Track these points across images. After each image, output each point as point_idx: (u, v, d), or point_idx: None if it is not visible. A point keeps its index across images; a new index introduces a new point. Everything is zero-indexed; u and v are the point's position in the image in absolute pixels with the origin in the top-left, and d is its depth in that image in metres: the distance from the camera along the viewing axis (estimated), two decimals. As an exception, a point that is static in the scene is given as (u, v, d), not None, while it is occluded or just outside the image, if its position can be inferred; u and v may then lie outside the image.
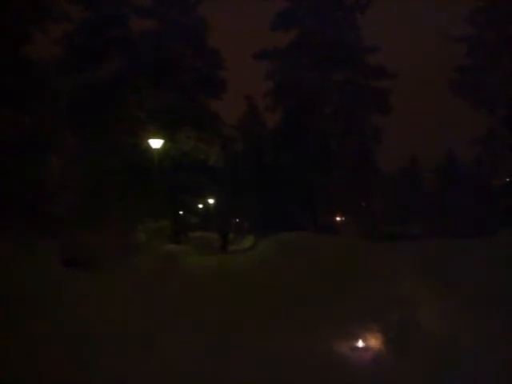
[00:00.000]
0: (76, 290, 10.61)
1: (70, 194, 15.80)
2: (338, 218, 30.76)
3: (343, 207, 29.63)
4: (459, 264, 10.77)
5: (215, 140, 27.18)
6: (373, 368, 7.07)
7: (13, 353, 7.17)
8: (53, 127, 16.76)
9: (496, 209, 25.39)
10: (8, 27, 16.43)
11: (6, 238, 11.94)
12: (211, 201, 33.95)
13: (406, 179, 43.70)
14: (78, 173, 16.98)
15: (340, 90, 29.13)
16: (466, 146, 29.87)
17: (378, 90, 29.45)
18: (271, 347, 7.61)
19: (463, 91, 27.49)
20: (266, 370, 6.84)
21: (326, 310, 9.34)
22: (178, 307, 10.16)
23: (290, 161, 28.21)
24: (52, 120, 17.14)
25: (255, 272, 13.06)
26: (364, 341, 7.78)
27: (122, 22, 26.27)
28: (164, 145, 21.44)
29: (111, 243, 15.05)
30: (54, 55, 23.66)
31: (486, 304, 8.56)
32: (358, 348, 7.66)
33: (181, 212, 27.27)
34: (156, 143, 20.86)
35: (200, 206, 31.89)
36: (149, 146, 21.18)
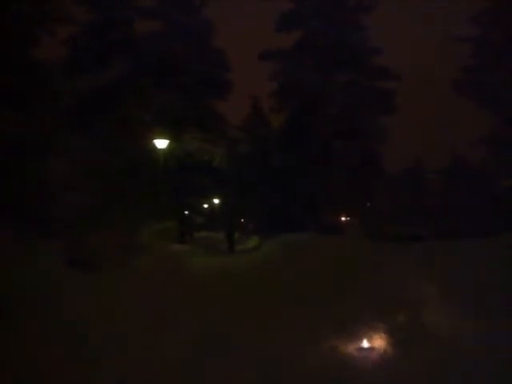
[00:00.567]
0: (78, 291, 10.65)
1: (74, 194, 15.84)
2: (342, 219, 30.74)
3: (348, 208, 29.62)
4: (462, 265, 10.78)
5: (220, 141, 27.28)
6: (377, 368, 7.08)
7: (13, 353, 7.21)
8: (57, 128, 16.84)
9: (501, 209, 25.32)
10: (14, 29, 16.55)
11: (9, 238, 11.99)
12: (216, 201, 34.02)
13: (410, 180, 43.57)
14: (82, 174, 17.01)
15: (344, 91, 29.14)
16: (470, 147, 29.65)
17: (382, 91, 29.43)
18: (273, 347, 7.63)
19: (467, 91, 27.45)
20: (266, 370, 6.86)
21: (330, 310, 9.36)
22: (182, 307, 10.19)
23: (295, 162, 28.23)
24: (56, 121, 17.23)
25: (261, 272, 13.09)
26: (368, 341, 7.79)
27: (127, 24, 26.38)
28: (169, 145, 21.50)
29: (115, 244, 15.08)
30: (59, 57, 23.82)
31: (491, 305, 8.56)
32: (362, 348, 7.67)
33: (186, 212, 27.35)
34: (161, 144, 20.92)
35: (205, 206, 31.97)
36: (154, 147, 21.25)
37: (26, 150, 15.29)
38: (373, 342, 7.79)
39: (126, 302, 10.31)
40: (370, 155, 29.17)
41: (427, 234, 29.80)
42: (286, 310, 9.68)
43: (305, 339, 7.99)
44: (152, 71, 25.50)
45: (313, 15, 29.59)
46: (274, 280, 11.99)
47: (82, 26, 25.09)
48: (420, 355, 7.21)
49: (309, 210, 27.24)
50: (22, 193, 14.59)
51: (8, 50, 16.12)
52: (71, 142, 17.02)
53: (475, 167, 35.84)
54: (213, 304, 10.29)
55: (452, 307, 8.79)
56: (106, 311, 9.55)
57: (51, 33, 18.71)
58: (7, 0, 16.43)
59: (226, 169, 28.14)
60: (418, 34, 72.64)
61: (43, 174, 15.73)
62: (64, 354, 7.33)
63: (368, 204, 31.24)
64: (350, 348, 7.66)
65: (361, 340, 7.78)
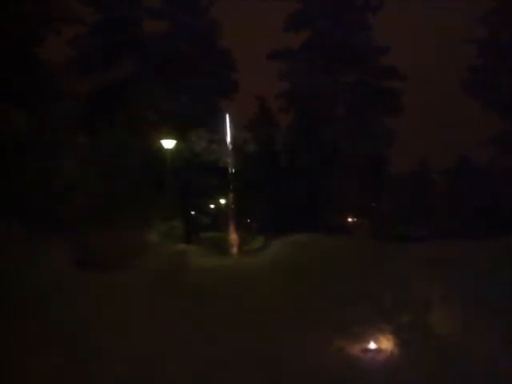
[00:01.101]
0: (86, 291, 10.71)
1: (80, 194, 15.91)
2: (349, 220, 30.71)
3: (354, 209, 29.59)
4: (465, 265, 10.76)
5: (227, 141, 27.35)
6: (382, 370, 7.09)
7: (14, 353, 7.26)
8: (65, 128, 16.92)
9: (506, 210, 25.24)
10: (19, 29, 16.65)
11: (18, 238, 12.07)
12: (222, 201, 34.05)
13: (417, 181, 43.44)
14: (89, 173, 17.09)
15: (351, 91, 29.10)
16: (478, 148, 29.54)
17: (389, 91, 29.40)
18: (276, 347, 7.65)
19: (475, 92, 27.33)
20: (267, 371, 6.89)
21: (336, 311, 9.37)
22: (188, 307, 10.23)
23: (301, 162, 28.24)
24: (64, 121, 17.32)
25: (267, 273, 13.10)
26: (375, 342, 7.80)
27: (134, 24, 26.52)
28: (176, 145, 21.57)
29: (123, 244, 15.15)
30: (66, 57, 23.98)
31: (495, 306, 8.55)
32: (368, 349, 7.68)
33: (192, 212, 27.42)
34: (168, 144, 21.00)
35: (211, 206, 32.01)
36: (161, 147, 21.33)
37: (32, 150, 15.38)
38: (379, 343, 7.80)
39: (136, 302, 10.37)
40: (376, 156, 29.14)
41: (433, 234, 29.73)
42: (291, 310, 9.70)
43: (310, 340, 8.00)
44: (159, 71, 25.59)
45: (320, 15, 29.58)
46: (281, 281, 12.01)
47: (90, 27, 25.22)
48: (423, 355, 7.22)
49: (315, 210, 27.23)
50: (29, 192, 14.66)
51: (14, 50, 16.22)
52: (78, 141, 17.10)
53: (481, 168, 35.71)
54: (218, 305, 10.32)
55: (454, 308, 8.79)
56: (110, 311, 9.61)
57: (57, 32, 18.82)
58: (12, 0, 16.52)
59: (233, 169, 28.18)
60: (425, 34, 72.46)
61: (50, 173, 15.80)
62: (70, 354, 7.37)
63: (374, 205, 31.19)
64: (356, 349, 7.67)
65: (367, 341, 7.79)
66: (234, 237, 26.61)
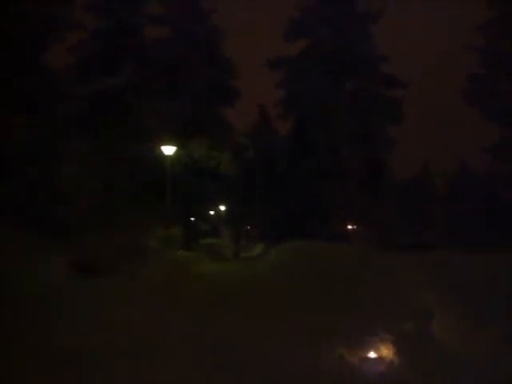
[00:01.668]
0: (84, 295, 10.69)
1: (82, 199, 15.93)
2: (349, 227, 30.67)
3: (354, 216, 29.55)
4: (466, 274, 10.76)
5: (227, 147, 27.36)
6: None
7: (18, 355, 7.23)
8: (66, 133, 16.97)
9: (507, 219, 25.26)
10: (23, 35, 16.72)
11: (18, 241, 12.06)
12: (222, 208, 34.04)
13: (417, 188, 43.49)
14: (89, 178, 17.12)
15: (352, 99, 29.13)
16: (478, 155, 29.60)
17: (390, 99, 29.45)
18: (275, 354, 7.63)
19: (475, 100, 27.40)
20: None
21: (336, 319, 9.34)
22: (187, 312, 10.20)
23: (302, 169, 28.24)
24: (65, 125, 17.37)
25: (266, 281, 13.04)
26: (375, 351, 7.77)
27: (136, 30, 26.59)
28: (176, 152, 21.57)
29: (122, 249, 15.12)
30: (68, 62, 24.07)
31: (493, 315, 8.55)
32: (368, 359, 7.65)
33: (192, 219, 27.39)
34: (168, 150, 20.97)
35: (211, 213, 31.98)
36: (161, 153, 21.32)
37: (33, 154, 15.41)
38: (379, 352, 7.76)
39: (128, 308, 10.33)
40: (377, 163, 29.15)
41: (432, 242, 29.74)
42: (290, 317, 9.67)
43: (310, 348, 7.98)
44: (160, 77, 25.66)
45: (321, 23, 29.68)
46: (280, 288, 11.96)
47: (91, 32, 25.34)
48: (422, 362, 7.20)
49: (315, 217, 27.20)
50: (29, 196, 14.67)
51: (16, 55, 16.29)
52: (79, 146, 17.14)
53: (482, 176, 35.78)
54: (217, 310, 10.29)
55: (454, 317, 8.78)
56: (107, 316, 9.58)
57: (61, 38, 18.93)
58: (17, 6, 16.61)
59: (233, 175, 28.18)
60: (425, 42, 72.76)
61: (50, 177, 15.83)
62: (67, 359, 7.35)
63: (374, 212, 31.15)
64: (356, 358, 7.64)
65: (367, 350, 7.76)
66: (233, 244, 26.58)
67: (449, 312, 9.00)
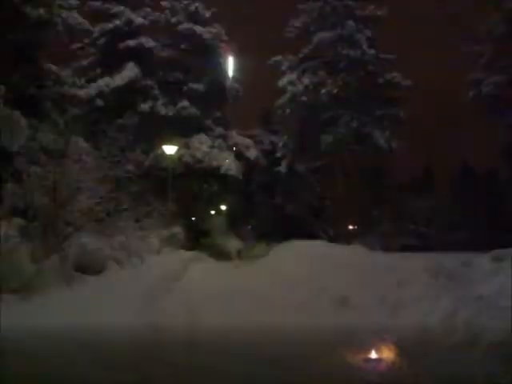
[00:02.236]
0: (85, 293, 10.71)
1: (84, 199, 15.90)
2: (350, 227, 30.64)
3: (355, 217, 29.54)
4: (468, 277, 10.76)
5: (228, 148, 27.38)
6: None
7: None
8: (67, 133, 16.97)
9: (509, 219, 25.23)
10: (25, 37, 16.77)
11: (22, 240, 12.06)
12: (223, 207, 33.99)
13: (419, 190, 43.35)
14: (91, 178, 17.09)
15: (354, 102, 29.09)
16: (481, 159, 29.54)
17: (393, 102, 29.47)
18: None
19: (480, 104, 27.35)
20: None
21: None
22: (189, 314, 10.20)
23: (303, 170, 28.25)
24: (67, 126, 17.38)
25: (268, 280, 13.03)
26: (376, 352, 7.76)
27: (138, 33, 26.73)
28: (177, 151, 21.59)
29: (124, 249, 15.14)
30: (70, 64, 24.14)
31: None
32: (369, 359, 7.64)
33: (193, 218, 27.38)
34: (170, 150, 21.02)
35: (212, 212, 31.93)
36: (163, 152, 21.34)
37: (39, 156, 15.43)
38: (380, 353, 7.75)
39: (130, 307, 10.34)
40: (378, 165, 29.14)
41: (432, 244, 29.70)
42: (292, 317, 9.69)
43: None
44: (161, 78, 25.74)
45: (323, 26, 29.67)
46: (281, 287, 11.95)
47: (95, 35, 25.51)
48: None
49: (317, 217, 27.21)
50: (31, 196, 14.65)
51: (18, 57, 16.34)
52: (81, 147, 17.13)
53: (485, 179, 35.73)
54: (222, 312, 10.29)
55: (452, 317, 8.79)
56: (110, 316, 9.58)
57: (63, 41, 19.02)
58: (19, 8, 16.64)
59: (234, 175, 28.15)
60: (430, 46, 72.75)
61: (52, 177, 15.80)
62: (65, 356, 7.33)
63: (376, 213, 31.14)
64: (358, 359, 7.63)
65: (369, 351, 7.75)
66: (234, 243, 26.55)
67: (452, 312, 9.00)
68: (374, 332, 8.88)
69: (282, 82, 29.76)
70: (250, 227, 40.47)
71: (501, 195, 31.77)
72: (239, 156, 28.43)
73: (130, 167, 21.57)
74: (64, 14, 19.39)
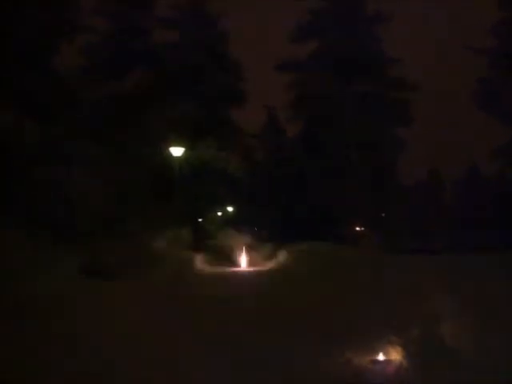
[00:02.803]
0: (93, 300, 10.72)
1: (92, 202, 15.98)
2: (357, 229, 30.57)
3: (362, 219, 29.47)
4: (475, 278, 10.72)
5: (235, 149, 27.39)
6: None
7: (25, 357, 7.25)
8: (76, 137, 17.04)
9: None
10: (33, 38, 16.83)
11: (28, 246, 12.09)
12: (230, 209, 34.03)
13: (426, 191, 43.25)
14: (99, 182, 17.16)
15: (361, 102, 29.05)
16: (488, 159, 29.27)
17: (399, 102, 29.37)
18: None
19: (486, 103, 27.21)
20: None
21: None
22: (198, 314, 10.22)
23: (310, 170, 28.20)
24: (75, 129, 17.45)
25: (277, 281, 13.06)
26: (383, 354, 7.74)
27: (146, 34, 26.81)
28: (184, 153, 21.64)
29: (132, 252, 15.13)
30: (78, 65, 24.22)
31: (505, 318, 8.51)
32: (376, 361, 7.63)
33: (200, 220, 27.42)
34: (177, 151, 21.07)
35: (219, 214, 31.97)
36: (170, 155, 21.40)
37: (44, 158, 15.49)
38: (388, 355, 7.74)
39: (139, 310, 10.36)
40: (385, 166, 29.05)
41: (441, 246, 29.60)
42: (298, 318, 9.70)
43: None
44: (169, 80, 25.78)
45: (329, 26, 29.65)
46: (290, 289, 11.97)
47: (102, 35, 25.55)
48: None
49: (323, 219, 27.16)
50: (40, 200, 14.73)
51: (27, 58, 16.40)
52: (89, 150, 17.20)
53: (491, 180, 35.56)
54: (225, 313, 10.31)
55: (465, 320, 8.75)
56: (118, 319, 9.60)
57: (71, 41, 19.08)
58: (27, 9, 16.72)
59: (241, 177, 28.18)
60: (435, 44, 72.51)
61: (61, 182, 15.88)
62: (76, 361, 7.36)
63: (383, 215, 31.05)
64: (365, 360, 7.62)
65: (376, 353, 7.73)
66: (241, 245, 26.54)
67: (460, 315, 8.97)
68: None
69: (289, 81, 29.75)
70: (256, 229, 40.49)
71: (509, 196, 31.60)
72: (246, 157, 28.46)
73: (138, 169, 21.63)
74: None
